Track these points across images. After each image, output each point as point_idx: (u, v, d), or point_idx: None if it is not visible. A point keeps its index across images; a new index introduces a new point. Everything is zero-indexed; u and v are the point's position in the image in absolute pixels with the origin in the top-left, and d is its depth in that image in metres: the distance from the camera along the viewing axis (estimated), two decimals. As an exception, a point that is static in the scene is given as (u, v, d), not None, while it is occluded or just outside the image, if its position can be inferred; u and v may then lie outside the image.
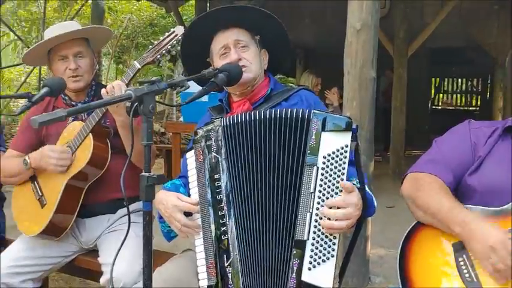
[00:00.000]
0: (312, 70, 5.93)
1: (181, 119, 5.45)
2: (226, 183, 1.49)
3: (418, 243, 1.58)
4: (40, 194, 2.11)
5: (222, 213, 1.48)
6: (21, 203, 2.18)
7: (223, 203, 1.48)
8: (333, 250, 1.37)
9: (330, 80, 5.63)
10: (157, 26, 11.88)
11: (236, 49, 1.69)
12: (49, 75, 7.33)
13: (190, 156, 1.56)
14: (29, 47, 8.05)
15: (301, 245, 1.39)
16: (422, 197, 1.56)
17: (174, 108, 9.50)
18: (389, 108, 6.95)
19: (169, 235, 1.70)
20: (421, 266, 1.52)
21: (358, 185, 1.44)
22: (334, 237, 1.38)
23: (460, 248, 1.45)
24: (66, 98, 2.19)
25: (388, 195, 4.84)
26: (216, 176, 1.50)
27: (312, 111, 1.43)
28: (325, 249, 1.38)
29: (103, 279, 1.96)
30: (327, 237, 1.38)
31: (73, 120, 2.09)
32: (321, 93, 5.64)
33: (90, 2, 8.74)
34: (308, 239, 1.38)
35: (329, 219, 1.37)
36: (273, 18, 1.73)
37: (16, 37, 8.39)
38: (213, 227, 1.49)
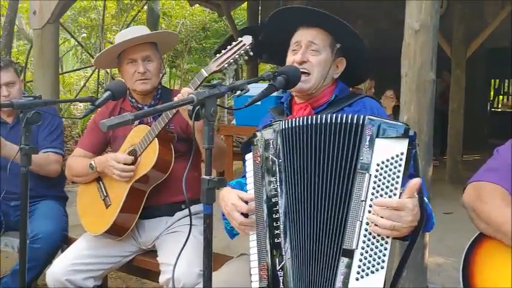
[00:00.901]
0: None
1: (233, 122, 5.50)
2: (282, 186, 1.47)
3: (483, 253, 1.51)
4: (105, 194, 2.18)
5: (276, 216, 1.47)
6: (86, 202, 2.27)
7: (277, 206, 1.47)
8: (383, 262, 1.32)
9: (384, 83, 5.51)
10: (209, 30, 12.06)
11: (306, 50, 1.68)
12: (107, 80, 7.65)
13: (249, 158, 1.57)
14: (88, 52, 8.37)
15: (349, 254, 1.35)
16: (484, 208, 1.50)
17: (226, 110, 9.59)
18: (446, 110, 6.71)
19: (232, 232, 1.72)
20: (488, 278, 1.46)
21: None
22: (385, 249, 1.33)
23: None
24: (133, 100, 2.27)
25: (446, 201, 4.66)
26: (272, 179, 1.49)
27: (367, 117, 1.39)
28: (374, 259, 1.33)
29: (162, 279, 2.00)
30: (377, 247, 1.33)
31: (139, 123, 2.15)
32: (374, 96, 5.52)
33: (145, 8, 9.02)
34: (357, 248, 1.34)
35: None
36: (357, 35, 1.70)
37: (76, 43, 8.76)
38: (266, 229, 1.48)
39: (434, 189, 4.13)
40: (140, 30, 2.20)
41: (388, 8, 6.53)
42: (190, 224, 1.35)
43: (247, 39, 1.79)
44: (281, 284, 1.43)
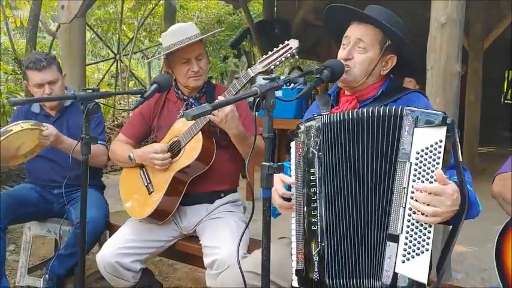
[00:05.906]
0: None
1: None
2: (321, 177, 1.56)
3: None
4: (148, 181, 2.30)
5: (314, 205, 1.56)
6: (129, 188, 2.39)
7: (316, 196, 1.56)
8: (427, 244, 1.40)
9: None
10: (224, 23, 12.13)
11: (353, 47, 1.72)
12: (122, 73, 7.76)
13: (293, 146, 1.66)
14: (107, 46, 8.42)
15: (394, 238, 1.43)
16: (509, 192, 1.61)
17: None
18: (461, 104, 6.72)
19: (275, 212, 1.78)
20: None
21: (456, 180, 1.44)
22: (429, 232, 1.40)
23: None
24: (179, 92, 2.39)
25: (465, 192, 4.71)
26: (312, 170, 1.57)
27: (405, 108, 1.46)
28: (419, 242, 1.41)
29: (207, 261, 2.10)
30: (421, 231, 1.41)
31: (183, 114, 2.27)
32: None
33: (162, 1, 9.11)
34: (401, 233, 1.43)
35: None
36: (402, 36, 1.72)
37: (95, 36, 8.89)
38: (304, 215, 1.58)
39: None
40: (190, 29, 2.29)
41: (408, 7, 6.53)
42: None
43: (293, 43, 1.86)
44: (316, 268, 1.54)
